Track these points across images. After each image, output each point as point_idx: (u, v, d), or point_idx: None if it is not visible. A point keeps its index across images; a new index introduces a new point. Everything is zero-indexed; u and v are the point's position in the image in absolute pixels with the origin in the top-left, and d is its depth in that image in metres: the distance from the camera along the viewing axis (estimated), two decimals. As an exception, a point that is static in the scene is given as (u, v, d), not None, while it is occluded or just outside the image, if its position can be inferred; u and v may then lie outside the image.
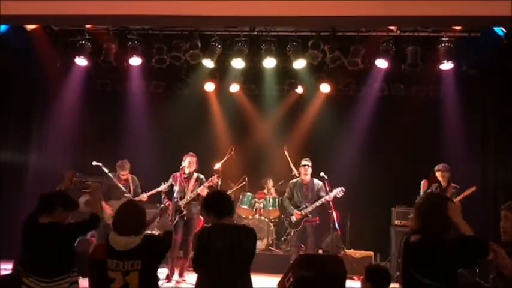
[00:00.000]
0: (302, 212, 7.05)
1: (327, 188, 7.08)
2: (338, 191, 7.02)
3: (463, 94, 8.05)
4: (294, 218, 7.12)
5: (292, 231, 7.32)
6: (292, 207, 7.16)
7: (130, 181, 7.27)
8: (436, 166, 6.75)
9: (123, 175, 7.23)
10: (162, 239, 3.52)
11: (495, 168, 7.68)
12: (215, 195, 3.71)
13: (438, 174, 6.70)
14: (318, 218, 7.16)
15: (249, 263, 3.44)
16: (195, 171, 6.90)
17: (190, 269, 7.06)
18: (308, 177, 7.21)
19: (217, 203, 3.51)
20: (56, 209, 3.88)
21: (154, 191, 7.11)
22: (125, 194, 7.10)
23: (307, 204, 7.07)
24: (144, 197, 7.15)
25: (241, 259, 3.38)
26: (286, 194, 7.39)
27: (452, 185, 6.70)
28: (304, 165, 7.21)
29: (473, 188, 6.52)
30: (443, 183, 6.66)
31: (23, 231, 3.87)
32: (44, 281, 3.75)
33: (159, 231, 4.36)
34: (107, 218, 6.84)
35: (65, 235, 3.87)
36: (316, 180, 7.22)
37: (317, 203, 7.03)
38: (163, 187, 6.98)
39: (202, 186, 6.70)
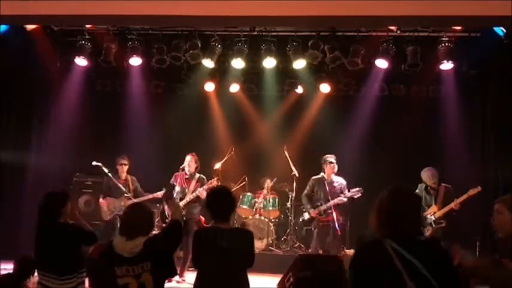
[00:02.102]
0: (317, 210, 7.02)
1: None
2: (355, 192, 6.96)
3: (463, 94, 8.05)
4: (306, 215, 7.13)
5: (315, 233, 7.19)
6: (309, 205, 7.11)
7: (130, 182, 7.26)
8: (423, 170, 6.75)
9: (122, 165, 7.23)
10: (164, 232, 3.47)
11: (495, 168, 7.67)
12: (214, 199, 3.58)
13: (427, 181, 6.69)
14: (339, 217, 7.03)
15: (246, 263, 3.43)
16: (197, 171, 6.91)
17: (191, 268, 7.07)
18: (333, 175, 7.16)
19: (215, 208, 3.49)
20: (60, 211, 3.95)
21: (150, 196, 7.13)
22: (125, 194, 7.10)
23: (322, 203, 7.03)
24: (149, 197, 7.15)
25: (237, 259, 3.38)
26: (305, 191, 7.27)
27: (443, 184, 6.70)
28: (331, 163, 7.12)
29: (478, 188, 6.43)
30: (434, 185, 6.67)
31: (36, 238, 3.94)
32: (54, 278, 3.79)
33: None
34: (104, 215, 6.83)
35: (74, 236, 3.95)
36: (338, 178, 7.17)
37: (331, 203, 6.95)
38: (161, 193, 7.04)
39: (201, 188, 6.70)
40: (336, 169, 7.16)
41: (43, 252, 3.90)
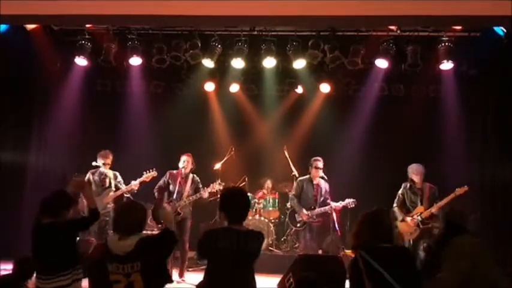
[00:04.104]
0: (309, 213, 6.95)
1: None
2: (350, 202, 6.97)
3: (463, 94, 8.05)
4: (299, 218, 7.05)
5: (293, 230, 7.22)
6: (300, 207, 7.02)
7: (112, 177, 7.18)
8: (410, 167, 6.77)
9: (106, 165, 7.13)
10: (158, 237, 3.47)
11: (495, 168, 7.68)
12: (231, 201, 3.51)
13: (413, 176, 6.71)
14: (321, 219, 7.07)
15: (252, 262, 3.45)
16: (192, 171, 6.90)
17: (191, 269, 7.09)
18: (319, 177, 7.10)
19: (231, 210, 3.46)
20: (60, 212, 3.95)
21: (124, 189, 7.02)
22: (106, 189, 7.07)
23: (315, 206, 6.98)
24: (125, 190, 7.03)
25: (245, 259, 3.40)
26: (294, 192, 7.19)
27: (428, 184, 6.70)
28: (318, 168, 7.02)
29: (465, 188, 6.39)
30: (418, 184, 6.69)
31: (32, 236, 3.94)
32: (47, 278, 3.79)
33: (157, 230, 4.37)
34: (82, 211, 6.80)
35: (66, 232, 3.93)
36: (322, 180, 7.12)
37: (324, 208, 6.92)
38: (145, 176, 6.97)
39: (203, 190, 6.70)
40: (320, 174, 7.06)
41: (39, 252, 3.90)
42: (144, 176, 7.00)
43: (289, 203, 8.05)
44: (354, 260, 3.04)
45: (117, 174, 7.23)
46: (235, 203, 3.47)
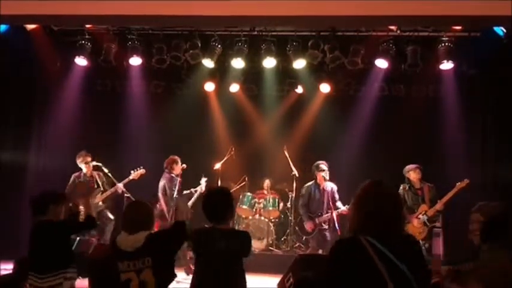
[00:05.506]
0: (317, 220, 7.16)
1: None
2: None
3: (463, 94, 8.05)
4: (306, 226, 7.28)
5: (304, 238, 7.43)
6: (307, 216, 7.25)
7: (97, 177, 7.23)
8: (406, 167, 6.87)
9: (87, 166, 7.20)
10: (169, 229, 3.48)
11: (495, 167, 7.68)
12: (209, 201, 3.49)
13: (411, 175, 6.77)
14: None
15: (243, 259, 3.43)
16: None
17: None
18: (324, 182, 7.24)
19: (210, 210, 3.45)
20: (47, 207, 3.99)
21: (126, 180, 7.14)
22: (99, 189, 7.16)
23: (322, 213, 7.14)
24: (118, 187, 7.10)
25: (238, 258, 3.40)
26: (302, 201, 7.38)
27: (427, 184, 6.79)
28: (323, 170, 7.20)
29: (466, 181, 6.50)
30: (416, 184, 6.72)
31: (29, 235, 4.00)
32: (39, 277, 3.82)
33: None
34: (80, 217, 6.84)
35: (59, 231, 3.98)
36: (328, 182, 7.24)
37: (327, 215, 7.09)
38: (134, 175, 7.09)
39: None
40: (328, 177, 7.21)
41: (32, 250, 3.95)
42: (132, 175, 7.11)
43: (289, 203, 8.09)
44: (353, 242, 2.31)
45: (102, 175, 7.28)
46: (214, 203, 3.45)
